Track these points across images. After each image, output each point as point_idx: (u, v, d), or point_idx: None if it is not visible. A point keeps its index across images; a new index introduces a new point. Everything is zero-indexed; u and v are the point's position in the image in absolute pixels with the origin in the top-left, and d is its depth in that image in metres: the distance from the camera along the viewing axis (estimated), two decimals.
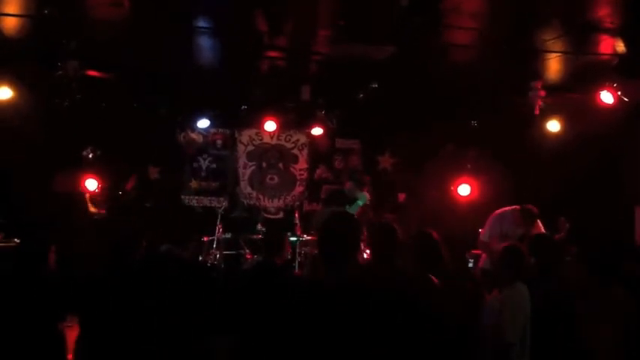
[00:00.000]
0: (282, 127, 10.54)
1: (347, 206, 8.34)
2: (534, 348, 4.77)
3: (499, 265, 5.07)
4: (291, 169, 11.32)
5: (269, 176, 11.27)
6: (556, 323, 4.85)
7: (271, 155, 11.26)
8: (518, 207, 7.60)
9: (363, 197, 8.47)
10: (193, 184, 11.04)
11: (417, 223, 9.41)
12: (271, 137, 11.18)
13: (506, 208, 7.73)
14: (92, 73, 8.36)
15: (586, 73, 8.23)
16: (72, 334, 5.07)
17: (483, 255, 7.88)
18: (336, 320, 3.42)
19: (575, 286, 5.03)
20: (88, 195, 8.72)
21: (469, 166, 9.86)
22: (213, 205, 10.91)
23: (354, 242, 3.74)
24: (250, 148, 11.23)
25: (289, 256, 9.18)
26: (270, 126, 10.19)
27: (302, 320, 3.50)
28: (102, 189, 9.39)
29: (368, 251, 8.87)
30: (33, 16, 6.98)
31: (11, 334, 4.57)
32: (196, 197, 11.00)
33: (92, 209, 8.40)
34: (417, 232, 5.27)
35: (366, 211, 8.61)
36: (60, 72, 7.98)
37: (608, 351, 4.60)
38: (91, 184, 9.16)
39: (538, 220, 7.60)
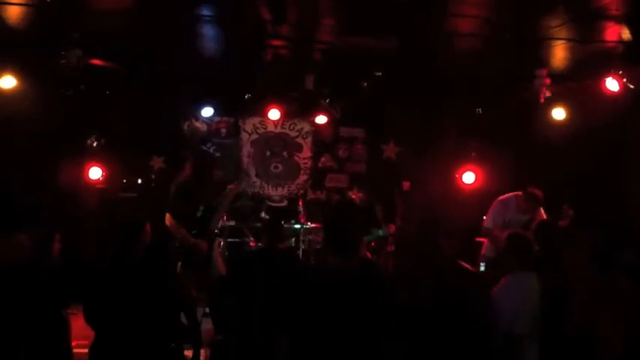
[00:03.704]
0: (286, 115, 10.51)
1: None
2: (541, 337, 4.78)
3: (503, 253, 5.07)
4: (295, 157, 11.31)
5: (273, 165, 11.26)
6: (559, 312, 4.86)
7: (275, 144, 11.25)
8: (520, 192, 7.60)
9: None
10: None
11: (421, 212, 9.43)
12: (275, 126, 11.17)
13: (509, 194, 7.73)
14: (96, 61, 8.36)
15: (591, 61, 8.19)
16: (76, 322, 5.11)
17: (486, 242, 7.88)
18: (348, 302, 3.50)
19: (577, 274, 5.04)
20: None
21: (474, 154, 9.84)
22: None
23: (357, 235, 3.85)
24: (254, 136, 11.22)
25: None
26: (274, 114, 10.16)
27: (318, 302, 3.55)
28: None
29: None
30: (36, 4, 6.98)
31: (16, 319, 4.61)
32: None
33: None
34: (419, 221, 5.30)
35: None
36: (63, 61, 7.97)
37: (609, 340, 4.60)
38: (95, 173, 9.18)
39: (540, 208, 7.60)
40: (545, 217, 7.59)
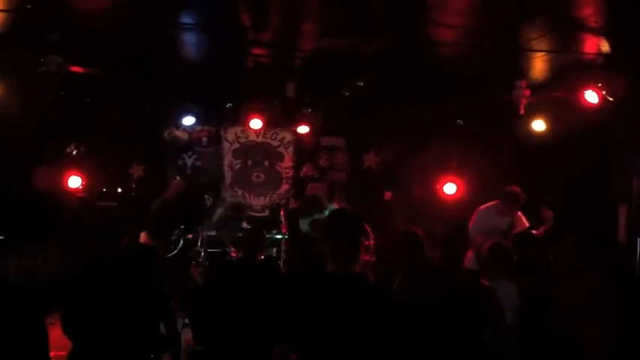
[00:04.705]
0: (267, 124, 10.49)
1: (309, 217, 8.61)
2: (523, 345, 4.79)
3: (484, 263, 5.09)
4: (277, 166, 11.31)
5: (255, 174, 11.24)
6: (541, 320, 4.88)
7: (257, 153, 11.24)
8: (500, 203, 7.71)
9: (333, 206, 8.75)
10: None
11: (402, 221, 9.43)
12: (257, 135, 11.16)
13: (489, 203, 7.84)
14: (76, 68, 8.29)
15: (571, 72, 8.27)
16: (54, 331, 5.04)
17: (469, 253, 7.90)
18: (349, 311, 3.47)
19: (559, 280, 5.06)
20: None
21: (455, 164, 9.88)
22: None
23: (359, 239, 3.84)
24: (236, 145, 11.20)
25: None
26: (255, 124, 10.15)
27: (322, 309, 3.51)
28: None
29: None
30: (15, 10, 6.91)
31: None
32: None
33: None
34: (403, 231, 5.32)
35: None
36: (43, 68, 7.91)
37: (591, 342, 4.61)
38: (75, 181, 9.10)
39: (520, 213, 7.68)
40: (525, 222, 7.67)
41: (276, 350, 3.60)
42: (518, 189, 7.65)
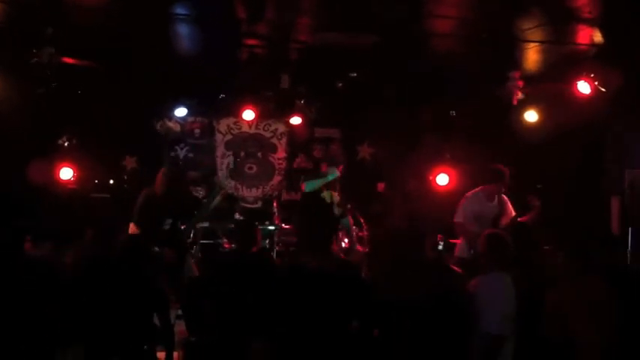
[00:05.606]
0: (260, 116, 10.46)
1: (317, 180, 8.67)
2: (517, 338, 4.79)
3: (482, 254, 5.06)
4: (270, 158, 11.26)
5: (247, 165, 11.19)
6: (535, 313, 4.88)
7: (250, 144, 11.18)
8: (487, 186, 7.63)
9: (334, 172, 8.76)
10: None
11: (399, 214, 9.43)
12: (250, 126, 11.10)
13: (476, 189, 7.76)
14: (68, 60, 8.25)
15: (564, 64, 8.28)
16: None
17: (458, 243, 7.88)
18: (333, 303, 3.46)
19: (552, 274, 5.07)
20: None
21: (448, 155, 9.88)
22: None
23: (329, 234, 3.82)
24: (229, 137, 11.14)
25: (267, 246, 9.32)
26: (248, 115, 10.11)
27: (298, 304, 3.50)
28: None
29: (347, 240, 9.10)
30: (8, 1, 6.87)
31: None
32: None
33: None
34: (399, 225, 5.32)
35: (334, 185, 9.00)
36: (35, 59, 7.86)
37: (586, 339, 4.63)
38: (67, 173, 9.06)
39: (507, 199, 7.64)
40: (511, 210, 7.63)
41: (255, 346, 3.59)
42: (501, 166, 7.56)
